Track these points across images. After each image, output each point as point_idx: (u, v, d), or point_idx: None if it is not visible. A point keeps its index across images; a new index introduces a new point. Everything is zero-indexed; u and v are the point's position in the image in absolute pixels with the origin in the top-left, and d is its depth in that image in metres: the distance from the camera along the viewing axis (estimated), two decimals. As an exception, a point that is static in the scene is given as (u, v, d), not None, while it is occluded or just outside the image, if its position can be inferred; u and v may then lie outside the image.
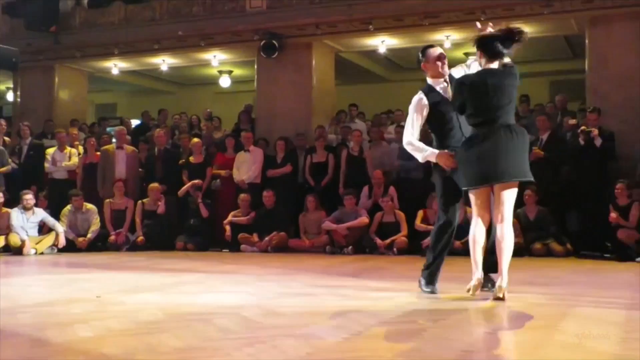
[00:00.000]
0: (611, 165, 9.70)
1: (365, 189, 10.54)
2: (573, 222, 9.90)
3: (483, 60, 5.09)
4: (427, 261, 5.48)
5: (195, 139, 11.76)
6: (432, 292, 5.33)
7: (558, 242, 9.31)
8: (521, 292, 5.36)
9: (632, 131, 10.08)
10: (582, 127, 9.42)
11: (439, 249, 5.43)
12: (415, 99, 5.38)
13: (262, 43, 12.31)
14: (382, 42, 12.68)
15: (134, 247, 10.66)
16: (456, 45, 12.95)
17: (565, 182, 9.71)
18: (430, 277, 5.41)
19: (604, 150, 9.40)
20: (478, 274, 5.15)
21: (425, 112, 5.32)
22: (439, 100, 5.33)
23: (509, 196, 4.99)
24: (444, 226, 5.41)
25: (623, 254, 8.77)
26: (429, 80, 5.46)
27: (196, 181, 11.10)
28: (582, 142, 9.30)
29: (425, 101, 5.33)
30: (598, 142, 9.34)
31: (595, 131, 9.33)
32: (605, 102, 10.31)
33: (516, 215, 9.46)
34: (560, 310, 4.70)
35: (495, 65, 5.05)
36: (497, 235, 5.03)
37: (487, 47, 5.04)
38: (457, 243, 9.18)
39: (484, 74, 5.02)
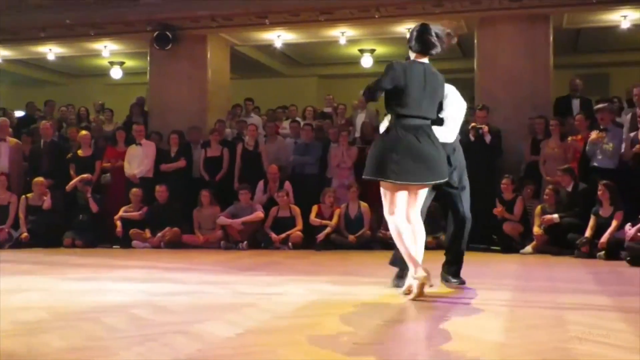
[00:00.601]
0: (497, 161, 10.09)
1: (261, 183, 10.51)
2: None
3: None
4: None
5: (84, 132, 11.37)
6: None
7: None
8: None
9: (517, 129, 10.52)
10: (473, 124, 9.73)
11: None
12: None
13: (155, 34, 12.00)
14: (279, 37, 12.66)
15: (17, 244, 10.18)
16: (351, 41, 13.12)
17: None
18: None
19: (492, 147, 9.75)
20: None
21: None
22: None
23: None
24: None
25: (508, 246, 9.15)
26: None
27: (85, 175, 10.72)
28: (472, 138, 9.60)
29: None
30: (488, 138, 9.68)
31: (486, 127, 9.66)
32: (493, 100, 10.70)
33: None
34: (450, 302, 4.83)
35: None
36: None
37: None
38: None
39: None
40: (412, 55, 5.06)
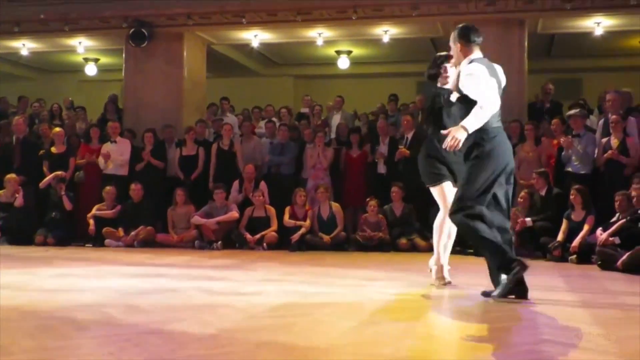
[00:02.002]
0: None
1: (236, 183, 10.47)
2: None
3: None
4: None
5: (57, 129, 11.24)
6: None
7: (422, 238, 9.64)
8: (387, 287, 5.48)
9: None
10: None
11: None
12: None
13: (130, 31, 11.88)
14: (255, 37, 12.62)
15: (-12, 241, 10.04)
16: (328, 42, 13.12)
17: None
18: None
19: (465, 149, 9.81)
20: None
21: None
22: None
23: None
24: None
25: (481, 248, 9.21)
26: None
27: (59, 172, 10.59)
28: (445, 141, 9.64)
29: None
30: (462, 141, 9.74)
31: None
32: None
33: (383, 212, 9.77)
34: (424, 303, 4.86)
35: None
36: None
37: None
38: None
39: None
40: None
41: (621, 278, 6.63)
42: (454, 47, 5.28)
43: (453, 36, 5.30)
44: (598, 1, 10.59)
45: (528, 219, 8.90)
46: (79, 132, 12.13)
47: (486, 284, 5.38)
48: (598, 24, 11.47)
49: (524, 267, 4.70)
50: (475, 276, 5.99)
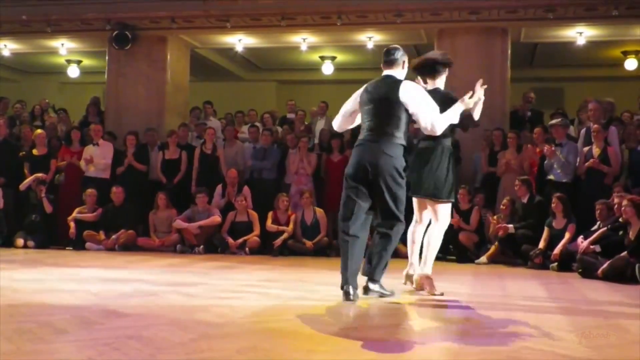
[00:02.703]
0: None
1: (219, 187, 10.43)
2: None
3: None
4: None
5: (39, 130, 11.15)
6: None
7: (403, 244, 9.63)
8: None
9: (473, 140, 10.63)
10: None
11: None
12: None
13: (114, 34, 11.83)
14: (239, 41, 12.61)
15: (-34, 244, 9.92)
16: (312, 48, 13.14)
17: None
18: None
19: (450, 157, 9.85)
20: None
21: None
22: None
23: None
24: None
25: (463, 256, 9.25)
26: None
27: (39, 174, 10.50)
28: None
29: None
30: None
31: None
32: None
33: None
34: (404, 310, 4.86)
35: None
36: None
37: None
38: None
39: None
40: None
41: (601, 286, 6.67)
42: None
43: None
44: (580, 11, 10.69)
45: (510, 225, 8.95)
46: (60, 135, 12.03)
47: (465, 291, 5.42)
48: (580, 34, 11.58)
49: None
50: (456, 282, 6.04)
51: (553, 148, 9.16)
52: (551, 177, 9.24)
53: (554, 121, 9.71)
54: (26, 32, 12.54)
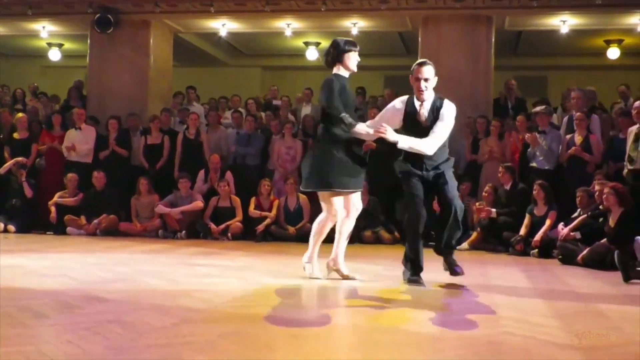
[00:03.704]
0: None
1: (201, 173, 10.39)
2: (401, 211, 10.33)
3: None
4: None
5: (20, 114, 11.03)
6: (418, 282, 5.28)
7: (386, 230, 9.71)
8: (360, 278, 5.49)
9: (456, 127, 10.60)
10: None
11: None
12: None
13: (96, 17, 11.70)
14: (223, 26, 12.52)
15: (-55, 228, 9.83)
16: (296, 33, 13.08)
17: (395, 174, 10.09)
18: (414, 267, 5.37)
19: (432, 144, 9.86)
20: None
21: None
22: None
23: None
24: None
25: (445, 242, 9.28)
26: None
27: (20, 158, 10.40)
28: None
29: None
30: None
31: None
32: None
33: (349, 204, 9.77)
34: (385, 295, 4.88)
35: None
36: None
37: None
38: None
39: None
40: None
41: (581, 272, 6.74)
42: (433, 79, 5.32)
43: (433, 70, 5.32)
44: (564, 0, 10.73)
45: (493, 210, 8.99)
46: (42, 119, 11.92)
47: (446, 277, 5.44)
48: (564, 22, 11.62)
49: None
50: (437, 269, 6.03)
51: (536, 136, 9.20)
52: (534, 164, 9.29)
53: (537, 109, 9.75)
54: (6, 14, 12.37)
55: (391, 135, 5.07)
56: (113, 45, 12.02)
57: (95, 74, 12.26)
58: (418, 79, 5.24)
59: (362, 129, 5.27)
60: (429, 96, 5.27)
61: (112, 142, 10.67)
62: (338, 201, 5.42)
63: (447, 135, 5.30)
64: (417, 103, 5.29)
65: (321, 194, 5.48)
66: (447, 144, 5.43)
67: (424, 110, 5.28)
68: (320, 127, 5.46)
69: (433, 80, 5.28)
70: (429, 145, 5.19)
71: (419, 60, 5.43)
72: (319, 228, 5.57)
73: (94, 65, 12.29)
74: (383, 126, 5.08)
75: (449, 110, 5.28)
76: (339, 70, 5.49)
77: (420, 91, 5.22)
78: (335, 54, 5.49)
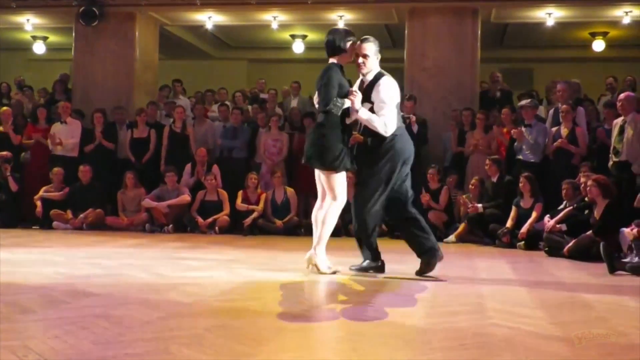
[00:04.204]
0: (423, 150, 10.24)
1: (188, 166, 10.36)
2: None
3: None
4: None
5: (5, 108, 10.95)
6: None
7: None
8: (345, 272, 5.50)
9: (443, 119, 10.71)
10: (401, 114, 9.82)
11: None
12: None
13: (81, 9, 11.62)
14: (209, 18, 12.46)
15: None
16: (283, 26, 13.05)
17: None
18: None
19: (418, 136, 9.87)
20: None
21: None
22: None
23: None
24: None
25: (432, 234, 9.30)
26: None
27: (4, 152, 10.33)
28: (399, 128, 9.72)
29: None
30: (415, 128, 9.78)
31: (413, 117, 9.77)
32: (421, 91, 10.85)
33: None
34: (372, 288, 4.89)
35: None
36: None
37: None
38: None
39: None
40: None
41: (567, 264, 6.79)
42: (374, 56, 5.46)
43: (374, 47, 5.47)
44: (550, -8, 10.79)
45: (479, 205, 9.04)
46: (26, 112, 11.84)
47: (438, 272, 5.46)
48: (550, 15, 11.65)
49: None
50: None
51: (522, 130, 9.24)
52: (520, 156, 9.33)
53: (523, 102, 9.79)
54: (-10, 7, 12.26)
55: (357, 103, 5.27)
56: (98, 38, 11.95)
57: (81, 67, 12.17)
58: (357, 55, 5.45)
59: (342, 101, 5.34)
60: (368, 72, 5.46)
61: (99, 135, 10.61)
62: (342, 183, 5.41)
63: (387, 112, 5.36)
64: (361, 78, 5.56)
65: (326, 178, 5.41)
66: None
67: (364, 85, 5.49)
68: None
69: (373, 57, 5.46)
70: (384, 125, 5.32)
71: (362, 37, 5.57)
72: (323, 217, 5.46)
73: (78, 59, 12.20)
74: (356, 92, 5.31)
75: (384, 85, 5.39)
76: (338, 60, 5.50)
77: (358, 65, 5.45)
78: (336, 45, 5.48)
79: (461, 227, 9.19)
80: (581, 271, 6.24)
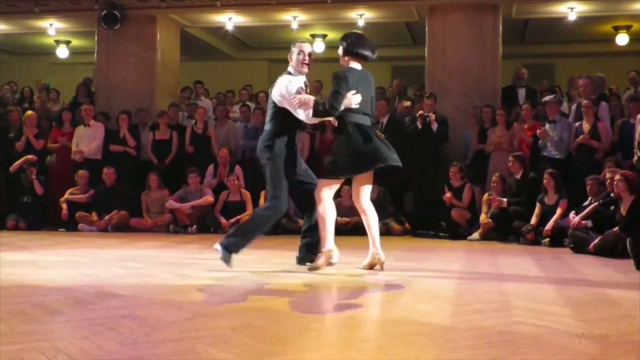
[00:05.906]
0: (444, 148, 10.20)
1: (211, 167, 10.41)
2: (410, 202, 10.34)
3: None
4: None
5: (30, 112, 11.08)
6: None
7: (396, 221, 9.70)
8: (362, 271, 5.50)
9: (464, 117, 10.65)
10: (420, 112, 9.81)
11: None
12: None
13: (102, 13, 11.73)
14: (230, 20, 12.52)
15: (-43, 226, 9.90)
16: (303, 26, 13.07)
17: (403, 164, 10.08)
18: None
19: (438, 134, 9.85)
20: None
21: None
22: None
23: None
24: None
25: (456, 232, 9.28)
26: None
27: (30, 156, 10.45)
28: (419, 126, 9.69)
29: None
30: (434, 126, 9.76)
31: (433, 116, 9.74)
32: (442, 89, 10.81)
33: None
34: (398, 286, 4.88)
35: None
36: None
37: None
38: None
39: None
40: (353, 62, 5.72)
41: (593, 261, 6.72)
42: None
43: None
44: (572, -14, 10.69)
45: (504, 199, 8.97)
46: (51, 116, 11.96)
47: (457, 267, 5.44)
48: (572, 9, 11.55)
49: None
50: (448, 259, 6.07)
51: (546, 128, 9.16)
52: (544, 153, 9.26)
53: (546, 98, 9.70)
54: (14, 12, 12.39)
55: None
56: (120, 41, 12.05)
57: (103, 70, 12.29)
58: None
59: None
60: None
61: (127, 133, 10.68)
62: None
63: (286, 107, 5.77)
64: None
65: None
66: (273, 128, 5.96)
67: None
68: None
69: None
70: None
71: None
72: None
73: (101, 62, 12.32)
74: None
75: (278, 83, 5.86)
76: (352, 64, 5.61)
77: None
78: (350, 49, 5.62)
79: (482, 219, 9.10)
80: (607, 268, 6.18)
